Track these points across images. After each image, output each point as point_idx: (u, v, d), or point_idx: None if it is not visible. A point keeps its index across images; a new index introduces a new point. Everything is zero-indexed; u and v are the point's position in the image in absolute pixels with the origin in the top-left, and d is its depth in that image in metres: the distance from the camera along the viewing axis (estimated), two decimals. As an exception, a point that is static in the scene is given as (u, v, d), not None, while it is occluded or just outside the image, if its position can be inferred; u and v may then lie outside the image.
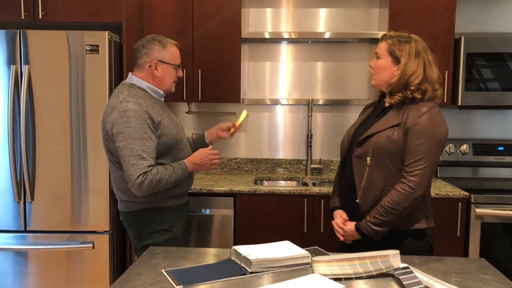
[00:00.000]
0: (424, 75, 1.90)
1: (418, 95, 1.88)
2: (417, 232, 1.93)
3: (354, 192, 1.96)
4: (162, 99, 2.18)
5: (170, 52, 2.13)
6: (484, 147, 3.22)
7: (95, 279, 2.67)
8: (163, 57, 2.11)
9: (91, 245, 2.62)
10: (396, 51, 1.92)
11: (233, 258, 1.64)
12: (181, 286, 1.41)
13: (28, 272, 2.67)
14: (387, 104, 1.99)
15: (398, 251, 1.53)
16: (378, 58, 1.97)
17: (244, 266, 1.56)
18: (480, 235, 2.70)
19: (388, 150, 1.88)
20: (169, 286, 1.42)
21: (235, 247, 1.65)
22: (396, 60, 1.92)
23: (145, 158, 1.95)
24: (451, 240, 2.73)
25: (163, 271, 1.54)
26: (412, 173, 1.84)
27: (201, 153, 2.13)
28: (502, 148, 3.21)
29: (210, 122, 3.40)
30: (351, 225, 1.95)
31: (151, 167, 1.96)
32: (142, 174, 1.93)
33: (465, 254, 2.75)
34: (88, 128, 2.60)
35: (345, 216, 2.00)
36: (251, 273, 1.52)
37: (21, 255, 2.66)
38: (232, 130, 2.40)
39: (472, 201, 2.70)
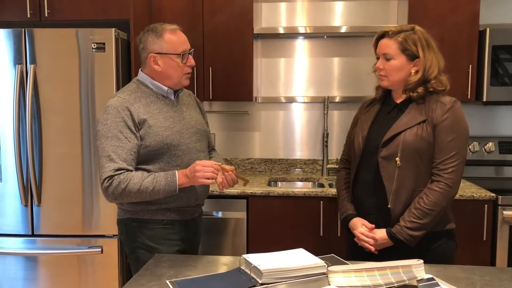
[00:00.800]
0: (438, 65, 1.82)
1: (439, 87, 1.81)
2: (448, 233, 1.84)
3: (379, 196, 1.83)
4: (172, 96, 1.90)
5: (167, 40, 1.82)
6: (510, 145, 3.04)
7: (104, 284, 2.59)
8: (160, 48, 1.82)
9: (100, 249, 2.54)
10: (411, 47, 1.79)
11: (242, 268, 1.53)
12: (186, 299, 1.31)
13: (37, 277, 2.61)
14: (399, 100, 1.87)
15: (422, 261, 1.40)
16: (388, 59, 1.82)
17: (254, 276, 1.45)
18: (509, 240, 2.54)
19: (419, 148, 1.76)
20: (172, 299, 1.32)
21: (245, 255, 1.54)
22: (411, 57, 1.80)
23: (114, 160, 1.70)
24: (476, 245, 2.58)
25: (167, 281, 1.44)
26: (447, 170, 1.74)
27: (196, 165, 1.73)
28: (529, 146, 3.03)
29: (222, 121, 3.30)
30: (381, 233, 1.81)
31: (120, 171, 1.69)
32: (107, 178, 1.69)
33: (492, 260, 2.59)
34: (96, 128, 2.51)
35: (368, 223, 1.86)
36: (262, 284, 1.41)
37: (29, 259, 2.59)
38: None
39: (499, 202, 2.54)
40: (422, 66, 1.79)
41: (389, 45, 1.82)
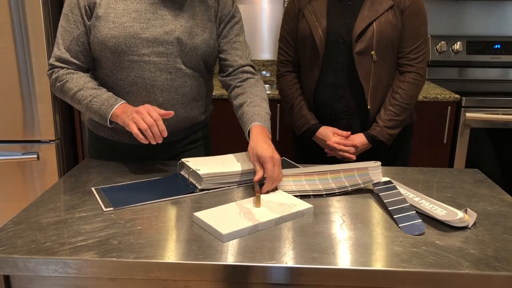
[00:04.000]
0: None
1: None
2: (412, 126, 1.77)
3: (352, 98, 1.65)
4: None
5: None
6: (479, 45, 2.89)
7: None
8: None
9: (35, 155, 2.32)
10: None
11: (181, 173, 1.36)
12: (111, 208, 1.13)
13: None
14: None
15: (379, 163, 1.26)
16: None
17: (193, 182, 1.28)
18: (468, 143, 2.47)
19: (392, 37, 1.59)
20: (95, 209, 1.14)
21: (184, 159, 1.36)
22: None
23: (59, 46, 1.38)
24: (436, 148, 2.50)
25: (93, 189, 1.26)
26: (418, 59, 1.61)
27: (148, 107, 1.27)
28: (498, 46, 2.88)
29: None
30: (360, 138, 1.65)
31: (60, 64, 1.38)
32: (50, 65, 1.41)
33: (450, 163, 2.54)
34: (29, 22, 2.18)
35: (340, 131, 1.66)
36: (201, 190, 1.25)
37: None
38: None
39: (463, 104, 2.43)
40: None
41: None
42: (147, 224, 1.06)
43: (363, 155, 1.67)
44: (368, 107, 1.62)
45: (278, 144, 2.53)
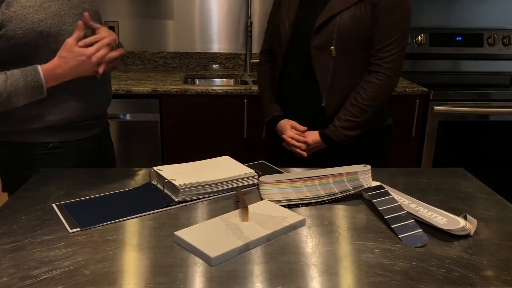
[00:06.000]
0: None
1: None
2: (385, 130, 1.66)
3: (311, 93, 1.56)
4: None
5: None
6: (441, 37, 2.89)
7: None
8: None
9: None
10: None
11: (154, 183, 1.23)
12: (78, 229, 0.99)
13: None
14: None
15: (369, 167, 1.18)
16: None
17: (168, 193, 1.16)
18: (436, 136, 2.47)
19: (357, 33, 1.47)
20: (58, 230, 0.99)
21: (156, 168, 1.23)
22: None
23: None
24: (405, 142, 2.48)
25: (53, 205, 1.11)
26: (387, 59, 1.49)
27: (71, 45, 1.22)
28: (460, 38, 2.90)
29: (127, 7, 2.77)
30: (313, 136, 1.57)
31: None
32: None
33: (419, 157, 2.53)
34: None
35: (298, 125, 1.61)
36: (179, 203, 1.13)
37: None
38: None
39: (431, 97, 2.42)
40: None
41: None
42: (122, 247, 0.93)
43: (325, 155, 1.59)
44: (323, 104, 1.54)
45: (245, 141, 2.42)
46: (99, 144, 1.52)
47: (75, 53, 1.22)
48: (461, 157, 2.53)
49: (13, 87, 1.20)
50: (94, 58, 1.22)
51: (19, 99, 1.23)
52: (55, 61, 1.23)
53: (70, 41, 1.22)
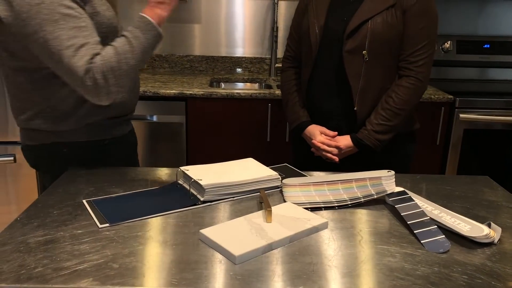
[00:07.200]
0: None
1: None
2: (411, 134, 1.67)
3: (342, 98, 1.58)
4: None
5: None
6: (469, 45, 2.86)
7: (23, 196, 2.27)
8: None
9: (12, 158, 2.17)
10: None
11: (180, 182, 1.26)
12: (107, 225, 1.03)
13: None
14: None
15: (393, 172, 1.19)
16: None
17: (194, 193, 1.19)
18: (461, 144, 2.44)
19: (388, 38, 1.49)
20: (88, 225, 1.03)
21: (183, 168, 1.26)
22: None
23: (84, 46, 1.14)
24: (429, 149, 2.46)
25: (84, 201, 1.15)
26: (418, 63, 1.51)
27: None
28: (488, 46, 2.86)
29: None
30: (345, 140, 1.58)
31: (94, 58, 1.14)
32: (85, 73, 1.13)
33: (443, 165, 2.50)
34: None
35: (328, 131, 1.61)
36: (204, 202, 1.15)
37: None
38: None
39: (457, 105, 2.40)
40: None
41: None
42: (149, 243, 0.96)
43: (353, 159, 1.60)
44: (355, 108, 1.55)
45: (268, 145, 2.44)
46: (128, 147, 1.55)
47: None
48: (486, 166, 2.50)
49: (147, 35, 1.21)
50: None
51: (150, 48, 1.24)
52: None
53: None
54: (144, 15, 1.23)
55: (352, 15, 1.53)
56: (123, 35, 1.21)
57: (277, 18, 2.82)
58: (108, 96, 1.19)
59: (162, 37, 1.27)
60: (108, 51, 1.17)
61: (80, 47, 1.14)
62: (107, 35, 1.29)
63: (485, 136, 2.45)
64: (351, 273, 0.87)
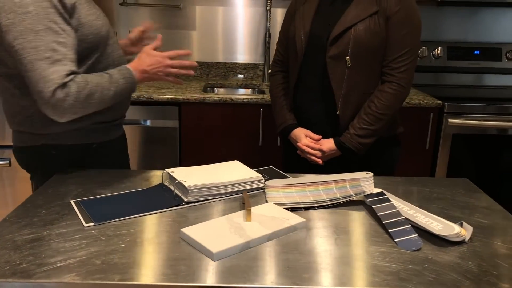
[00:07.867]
0: None
1: None
2: (395, 138, 1.72)
3: (326, 102, 1.61)
4: None
5: None
6: (459, 51, 2.91)
7: (18, 201, 2.30)
8: None
9: (7, 161, 2.21)
10: None
11: (166, 184, 1.30)
12: (92, 224, 1.07)
13: None
14: None
15: (371, 174, 1.23)
16: None
17: (178, 194, 1.22)
18: (450, 149, 2.48)
19: (371, 44, 1.53)
20: (75, 224, 1.07)
21: (168, 170, 1.30)
22: None
23: (61, 62, 1.20)
24: (418, 154, 2.50)
25: (71, 201, 1.19)
26: (400, 69, 1.54)
27: (151, 56, 1.41)
28: (477, 52, 2.91)
29: (151, 17, 2.89)
30: (329, 143, 1.62)
31: (72, 75, 1.21)
32: (60, 86, 1.18)
33: (432, 169, 2.54)
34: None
35: (313, 134, 1.65)
36: (188, 203, 1.19)
37: None
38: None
39: (446, 110, 2.44)
40: None
41: None
42: (132, 241, 1.00)
43: (338, 162, 1.64)
44: (337, 113, 1.59)
45: (260, 149, 2.48)
46: (119, 149, 1.59)
47: (152, 55, 1.42)
48: (474, 171, 2.53)
49: (119, 82, 1.33)
50: (168, 61, 1.42)
51: (121, 94, 1.35)
52: (136, 61, 1.41)
53: (148, 47, 1.44)
54: (131, 69, 1.38)
55: (337, 22, 1.57)
56: (107, 73, 1.32)
57: (269, 25, 2.86)
58: (69, 116, 1.25)
59: (134, 88, 1.42)
60: (90, 77, 1.27)
61: (56, 62, 1.19)
62: (95, 44, 1.34)
63: (474, 141, 2.49)
64: (325, 269, 0.91)
